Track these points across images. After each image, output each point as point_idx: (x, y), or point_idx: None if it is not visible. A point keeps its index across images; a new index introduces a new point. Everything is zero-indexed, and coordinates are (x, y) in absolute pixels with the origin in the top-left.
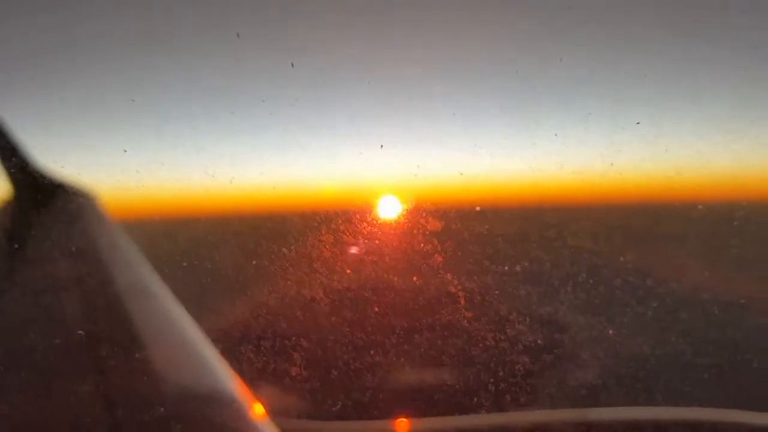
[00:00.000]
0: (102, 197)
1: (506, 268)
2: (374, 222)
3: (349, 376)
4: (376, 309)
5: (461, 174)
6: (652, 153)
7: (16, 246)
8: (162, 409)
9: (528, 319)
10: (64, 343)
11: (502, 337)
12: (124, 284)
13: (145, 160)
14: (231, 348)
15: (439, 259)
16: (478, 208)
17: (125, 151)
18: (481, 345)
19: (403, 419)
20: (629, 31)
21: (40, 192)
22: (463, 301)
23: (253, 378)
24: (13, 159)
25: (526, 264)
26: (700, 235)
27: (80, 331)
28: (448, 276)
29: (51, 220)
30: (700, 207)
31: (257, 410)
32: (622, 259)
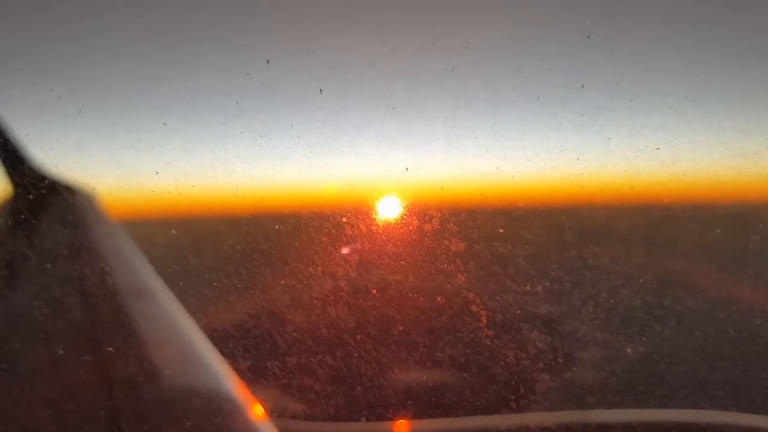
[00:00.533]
0: (102, 197)
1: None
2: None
3: (349, 377)
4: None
5: (483, 196)
6: (671, 177)
7: (15, 246)
8: (161, 410)
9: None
10: (64, 343)
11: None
12: (125, 284)
13: (173, 181)
14: (231, 348)
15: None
16: (501, 230)
17: (157, 173)
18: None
19: (404, 420)
20: (647, 59)
21: (39, 192)
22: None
23: (252, 379)
24: (13, 159)
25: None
26: (717, 256)
27: (80, 331)
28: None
29: (51, 220)
30: (716, 230)
31: (257, 411)
32: (641, 280)
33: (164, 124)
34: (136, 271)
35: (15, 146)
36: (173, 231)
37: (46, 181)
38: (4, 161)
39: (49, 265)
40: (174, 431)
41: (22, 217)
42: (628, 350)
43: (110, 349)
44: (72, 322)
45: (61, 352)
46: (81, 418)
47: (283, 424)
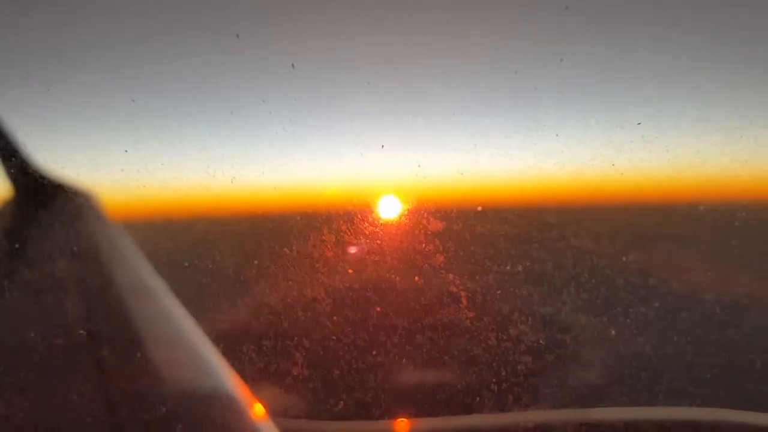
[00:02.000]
0: (102, 197)
1: (508, 267)
2: (375, 222)
3: (350, 376)
4: (378, 309)
5: (461, 174)
6: (653, 153)
7: (15, 246)
8: (162, 409)
9: (530, 319)
10: (64, 344)
11: (504, 337)
12: (125, 284)
13: (145, 160)
14: (231, 348)
15: (441, 258)
16: (479, 208)
17: (126, 151)
18: (482, 345)
19: (404, 419)
20: (629, 32)
21: (39, 192)
22: (464, 301)
23: (253, 378)
24: (13, 159)
25: (528, 263)
26: (700, 235)
27: (80, 331)
28: (450, 276)
29: (50, 220)
30: (700, 207)
31: (257, 410)
32: (624, 258)
33: (132, 100)
34: (135, 271)
35: (15, 146)
36: (173, 231)
37: (46, 182)
38: (4, 161)
39: (48, 265)
40: (174, 431)
41: (22, 217)
42: (612, 331)
43: (110, 348)
44: (71, 322)
45: (60, 351)
46: (81, 418)
47: (282, 424)
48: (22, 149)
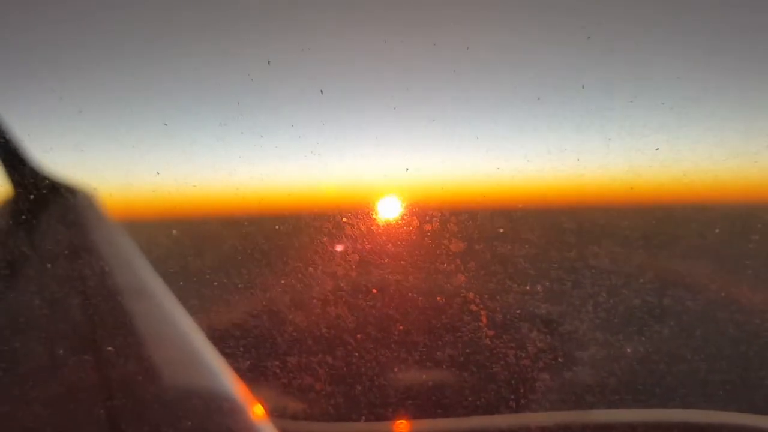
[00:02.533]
0: (103, 197)
1: (527, 287)
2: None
3: (349, 376)
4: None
5: (484, 196)
6: (671, 178)
7: (15, 246)
8: (161, 409)
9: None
10: (63, 343)
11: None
12: (124, 284)
13: (176, 181)
14: (230, 348)
15: (462, 279)
16: (501, 230)
17: (158, 173)
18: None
19: (404, 420)
20: (647, 60)
21: (40, 192)
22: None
23: (252, 378)
24: (13, 159)
25: (547, 282)
26: (717, 257)
27: (80, 331)
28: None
29: (51, 220)
30: (716, 231)
31: (257, 411)
32: (641, 280)
33: (165, 124)
34: (135, 271)
35: (15, 146)
36: (174, 231)
37: (46, 182)
38: (4, 161)
39: (49, 265)
40: (174, 431)
41: (22, 217)
42: (628, 350)
43: (110, 348)
44: (72, 322)
45: (60, 351)
46: (81, 418)
47: (282, 424)
48: (22, 149)
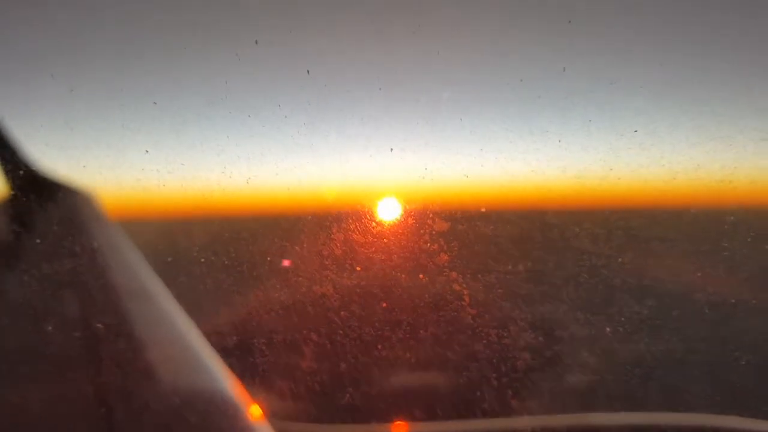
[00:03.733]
0: (102, 196)
1: (510, 267)
2: (383, 222)
3: (348, 379)
4: (380, 310)
5: (467, 177)
6: (649, 159)
7: (12, 245)
8: (159, 411)
9: (530, 320)
10: (61, 344)
11: (504, 339)
12: (122, 285)
13: (166, 161)
14: (229, 349)
15: (445, 258)
16: (483, 210)
17: (147, 151)
18: (483, 347)
19: (402, 422)
20: (627, 44)
21: (37, 192)
22: (467, 301)
23: (250, 380)
24: (10, 157)
25: (529, 263)
26: (692, 238)
27: (77, 332)
28: (453, 275)
29: (49, 219)
30: (692, 211)
31: (254, 412)
32: (620, 260)
33: (154, 103)
34: (134, 272)
35: (12, 146)
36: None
37: (44, 181)
38: (1, 160)
39: (46, 265)
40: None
41: (19, 216)
42: (607, 329)
43: (107, 348)
44: (69, 322)
45: (57, 351)
46: (77, 418)
47: (280, 426)
48: (19, 147)
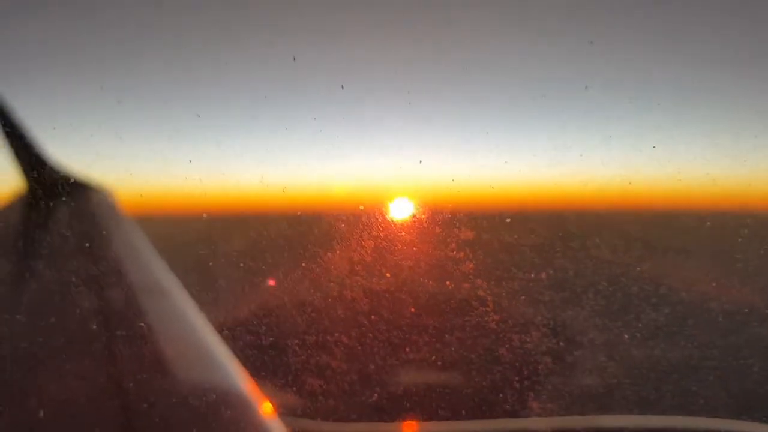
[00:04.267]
0: (119, 194)
1: (532, 275)
2: (411, 230)
3: (359, 378)
4: (409, 314)
5: (492, 188)
6: (666, 173)
7: (29, 242)
8: (173, 405)
9: (551, 325)
10: (78, 339)
11: (526, 344)
12: (138, 281)
13: (209, 169)
14: (243, 346)
15: (471, 265)
16: (507, 219)
17: (190, 161)
18: (506, 351)
19: (413, 421)
20: (646, 62)
21: (55, 189)
22: (491, 307)
23: (263, 376)
24: (28, 154)
25: (551, 270)
26: (708, 248)
27: (93, 327)
28: (479, 281)
29: (65, 216)
30: (708, 224)
31: (266, 408)
32: (638, 268)
33: (198, 115)
34: (149, 268)
35: (30, 142)
36: (204, 215)
37: (62, 179)
38: (19, 159)
39: (62, 262)
40: (184, 426)
41: (37, 214)
42: (625, 336)
43: (122, 343)
44: (85, 318)
45: (73, 346)
46: (93, 412)
47: (292, 423)
48: (36, 144)
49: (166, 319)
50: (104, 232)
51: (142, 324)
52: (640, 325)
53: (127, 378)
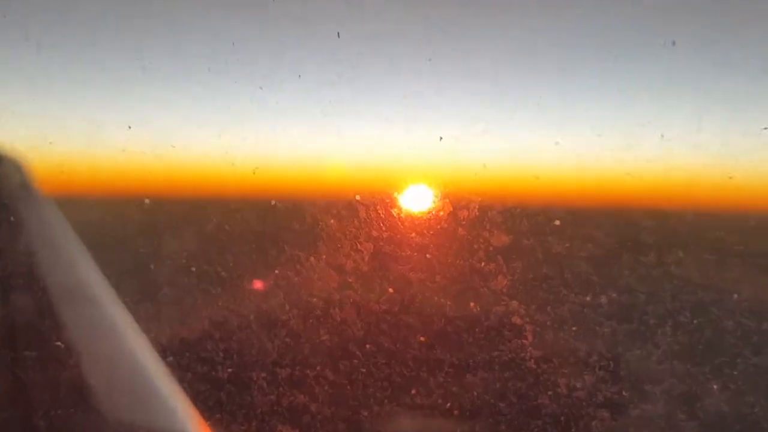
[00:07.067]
0: (34, 168)
1: (588, 298)
2: (424, 232)
3: (348, 428)
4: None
5: (537, 178)
6: None
7: None
8: None
9: (612, 368)
10: None
11: (577, 392)
12: (56, 284)
13: (148, 139)
14: (192, 378)
15: (504, 282)
16: (556, 222)
17: (130, 128)
18: (548, 400)
19: None
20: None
21: None
22: (529, 339)
23: (219, 421)
24: None
25: (614, 293)
26: None
27: None
28: (514, 304)
29: None
30: None
31: None
32: (736, 295)
33: (142, 68)
34: (71, 268)
35: None
36: (146, 201)
37: None
38: None
39: None
40: None
41: None
42: (714, 386)
43: (32, 369)
44: None
45: None
46: None
47: None
48: None
49: (92, 336)
50: (12, 218)
51: (59, 342)
52: (735, 372)
53: (36, 415)
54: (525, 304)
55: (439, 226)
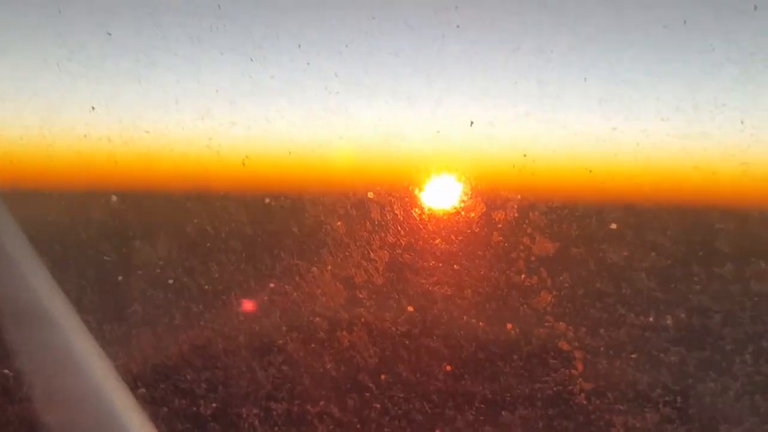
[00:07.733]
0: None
1: (650, 319)
2: (450, 236)
3: None
4: (442, 374)
5: (590, 171)
6: None
7: None
8: None
9: (679, 403)
10: None
11: (622, 428)
12: (4, 298)
13: (116, 121)
14: (168, 414)
15: (549, 298)
16: (612, 225)
17: (93, 108)
18: (574, 406)
19: None
20: None
21: None
22: (579, 368)
23: None
24: None
25: (682, 313)
26: None
27: None
28: (561, 326)
29: None
30: None
31: None
32: None
33: (108, 33)
34: (24, 279)
35: None
36: (113, 197)
37: None
38: None
39: None
40: None
41: None
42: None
43: None
44: None
45: None
46: None
47: None
48: None
49: (48, 362)
50: None
51: (7, 371)
52: None
53: None
54: (574, 326)
55: (469, 231)
